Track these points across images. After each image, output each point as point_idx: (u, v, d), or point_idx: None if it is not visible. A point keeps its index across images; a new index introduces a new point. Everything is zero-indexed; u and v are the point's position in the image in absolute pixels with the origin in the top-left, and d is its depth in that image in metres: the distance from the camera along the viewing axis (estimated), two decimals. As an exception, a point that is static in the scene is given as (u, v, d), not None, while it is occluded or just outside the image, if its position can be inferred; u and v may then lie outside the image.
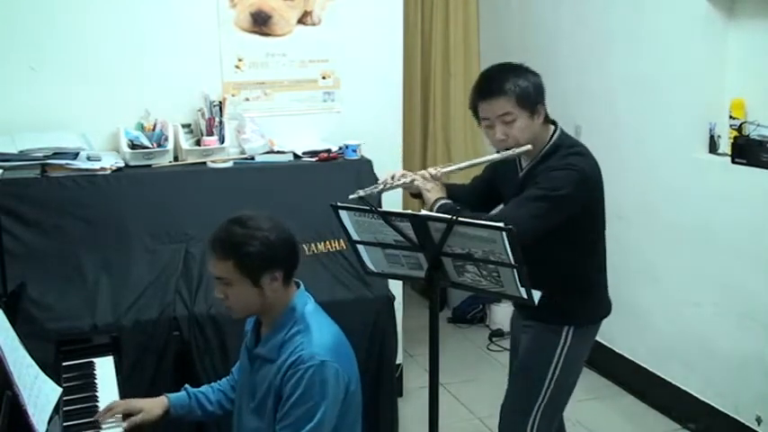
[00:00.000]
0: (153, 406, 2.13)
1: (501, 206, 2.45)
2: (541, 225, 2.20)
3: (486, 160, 2.42)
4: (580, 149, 2.32)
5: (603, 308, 2.46)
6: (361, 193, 2.33)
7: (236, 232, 1.97)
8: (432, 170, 2.39)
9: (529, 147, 2.26)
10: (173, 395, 2.19)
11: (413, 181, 2.37)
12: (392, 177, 2.39)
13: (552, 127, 2.35)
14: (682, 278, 3.43)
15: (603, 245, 2.43)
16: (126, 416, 2.06)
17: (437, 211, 2.27)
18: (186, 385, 2.25)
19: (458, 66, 4.91)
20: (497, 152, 2.40)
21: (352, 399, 2.05)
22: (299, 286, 2.11)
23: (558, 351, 2.37)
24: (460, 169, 2.42)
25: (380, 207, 2.49)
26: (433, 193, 2.35)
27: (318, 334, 2.00)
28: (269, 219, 2.03)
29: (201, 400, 2.22)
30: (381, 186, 2.39)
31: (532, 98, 2.24)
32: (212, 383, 2.30)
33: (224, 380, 2.31)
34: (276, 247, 1.99)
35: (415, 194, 2.46)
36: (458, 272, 2.13)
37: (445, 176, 2.41)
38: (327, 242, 3.01)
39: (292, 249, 2.06)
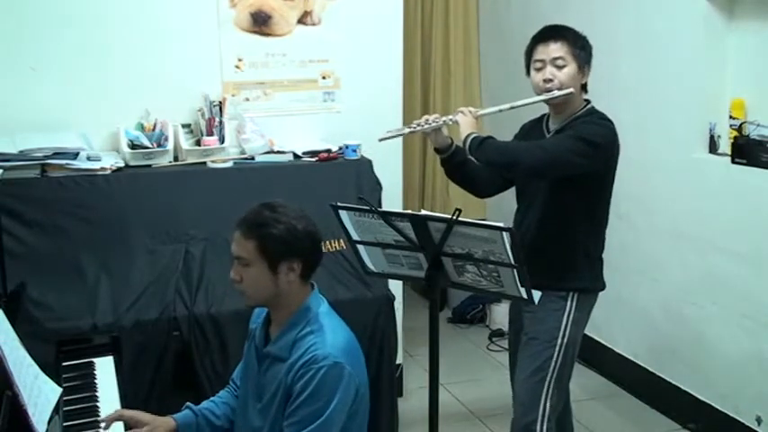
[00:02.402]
0: (159, 423, 2.08)
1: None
2: (576, 162, 2.33)
3: (527, 102, 2.51)
4: (611, 120, 2.47)
5: (601, 282, 2.57)
6: (394, 132, 2.53)
7: (264, 214, 1.99)
8: (472, 108, 2.53)
9: (571, 90, 2.41)
10: (179, 415, 2.14)
11: (450, 119, 2.48)
12: (426, 120, 2.51)
13: (585, 102, 2.51)
14: (682, 278, 3.43)
15: (605, 230, 2.56)
16: (131, 426, 2.02)
17: (470, 143, 2.41)
18: (188, 403, 2.20)
19: (458, 66, 4.91)
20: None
21: (362, 402, 2.04)
22: (313, 287, 2.10)
23: (566, 315, 2.47)
24: (500, 111, 2.55)
25: (380, 207, 2.50)
26: (469, 126, 2.46)
27: (332, 335, 1.99)
28: (300, 210, 2.04)
29: (208, 416, 2.19)
30: (413, 127, 2.51)
31: (583, 56, 2.45)
32: (213, 398, 2.26)
33: (224, 392, 2.27)
34: (299, 237, 1.99)
35: (438, 149, 2.57)
36: (458, 272, 2.13)
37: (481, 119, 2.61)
38: (327, 242, 3.00)
39: (315, 245, 2.05)
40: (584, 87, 2.49)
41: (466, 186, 2.67)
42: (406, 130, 2.52)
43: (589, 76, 2.48)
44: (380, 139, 2.54)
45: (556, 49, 2.41)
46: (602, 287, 2.56)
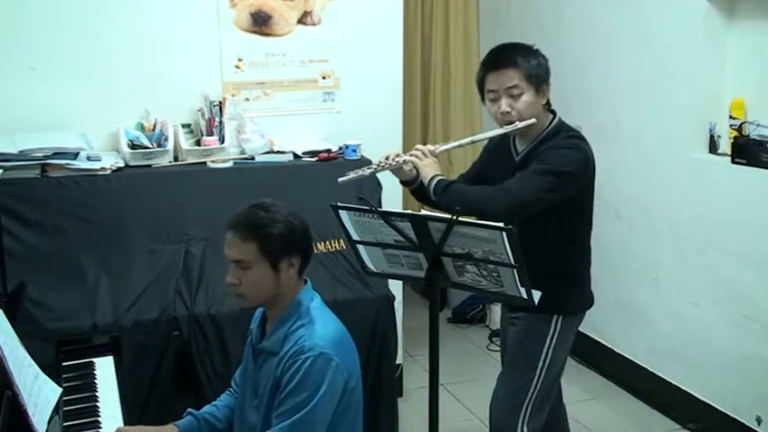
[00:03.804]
0: None
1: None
2: (546, 198, 2.24)
3: (487, 136, 2.42)
4: (581, 135, 2.37)
5: (588, 299, 2.51)
6: (352, 174, 2.37)
7: (259, 215, 2.01)
8: (430, 147, 2.40)
9: (533, 120, 2.29)
10: (181, 422, 2.16)
11: (409, 159, 2.37)
12: (386, 158, 2.40)
13: (551, 115, 2.39)
14: (682, 278, 3.43)
15: (590, 241, 2.49)
16: None
17: (434, 188, 2.30)
18: (190, 409, 2.21)
19: (458, 66, 4.91)
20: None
21: (352, 395, 2.05)
22: (306, 282, 2.12)
23: (549, 339, 2.40)
24: (460, 146, 2.45)
25: (380, 207, 2.50)
26: (430, 169, 2.35)
27: (322, 327, 2.01)
28: (288, 207, 2.07)
29: (210, 420, 2.20)
30: (375, 168, 2.40)
31: (540, 76, 2.29)
32: (215, 402, 2.27)
33: (224, 395, 2.28)
34: (297, 233, 2.02)
35: (405, 182, 2.46)
36: (458, 272, 2.13)
37: (443, 154, 2.43)
38: (327, 242, 3.01)
39: (310, 239, 2.09)
40: (546, 103, 2.36)
41: (441, 210, 2.58)
42: (367, 172, 2.39)
43: (548, 93, 2.34)
44: (341, 181, 2.39)
45: (508, 78, 2.26)
46: (590, 304, 2.49)
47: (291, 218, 2.03)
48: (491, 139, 2.54)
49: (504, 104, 2.28)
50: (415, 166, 2.38)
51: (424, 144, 2.45)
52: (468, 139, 2.45)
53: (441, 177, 2.32)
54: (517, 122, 2.28)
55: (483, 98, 2.37)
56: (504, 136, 2.45)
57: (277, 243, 1.98)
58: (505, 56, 2.30)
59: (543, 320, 2.40)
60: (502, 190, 2.26)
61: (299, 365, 1.93)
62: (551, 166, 2.23)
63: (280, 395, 1.96)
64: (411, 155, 2.38)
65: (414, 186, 2.45)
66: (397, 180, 3.62)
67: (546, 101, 2.35)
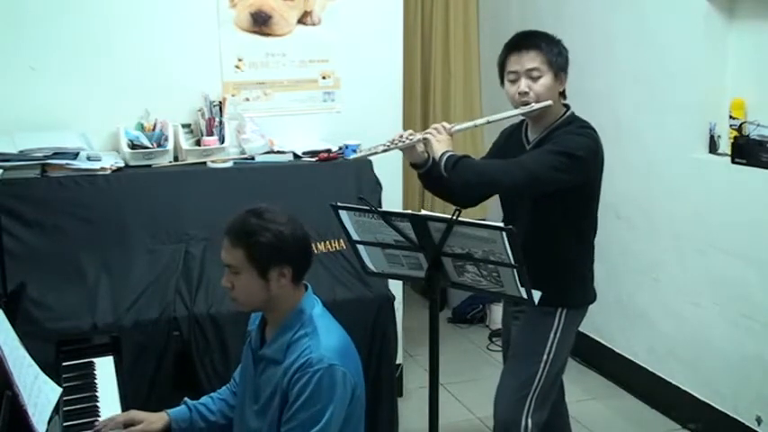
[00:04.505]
0: (154, 419, 2.11)
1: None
2: (557, 178, 2.25)
3: (503, 117, 2.43)
4: (593, 128, 2.39)
5: (591, 295, 2.52)
6: (365, 151, 2.43)
7: (250, 222, 1.98)
8: (446, 124, 2.42)
9: (549, 102, 2.32)
10: (173, 410, 2.17)
11: (424, 139, 2.40)
12: (400, 136, 2.42)
13: (564, 108, 2.42)
14: (682, 278, 3.43)
15: (594, 238, 2.50)
16: (127, 425, 2.04)
17: (445, 163, 2.31)
18: (185, 398, 2.22)
19: (458, 66, 4.91)
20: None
21: (357, 402, 2.04)
22: (306, 288, 2.10)
23: (553, 332, 2.41)
24: (476, 126, 2.48)
25: (380, 207, 2.50)
26: (443, 145, 2.36)
27: (326, 337, 1.99)
28: (287, 214, 2.03)
29: (202, 411, 2.20)
30: (388, 145, 2.42)
31: (560, 64, 2.34)
32: (212, 393, 2.28)
33: (224, 388, 2.28)
34: (288, 243, 1.98)
35: (415, 164, 2.48)
36: (458, 272, 2.13)
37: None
38: (327, 242, 3.01)
39: (304, 249, 2.04)
40: (562, 94, 2.39)
41: (445, 198, 2.58)
42: (381, 149, 2.41)
43: (566, 81, 2.38)
44: (352, 158, 2.50)
45: (530, 60, 2.30)
46: (593, 299, 2.51)
47: (284, 226, 1.98)
48: (501, 133, 2.59)
49: (524, 85, 2.32)
50: (426, 147, 2.42)
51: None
52: (485, 119, 2.47)
53: (452, 153, 2.34)
54: (533, 104, 2.31)
55: (502, 81, 2.40)
56: (515, 130, 2.49)
57: (264, 252, 1.95)
58: (530, 39, 2.35)
59: (547, 314, 2.41)
60: (515, 163, 2.29)
61: (308, 379, 1.91)
62: (564, 148, 2.26)
63: (290, 409, 1.94)
64: (427, 132, 2.40)
65: (423, 169, 2.46)
66: (396, 180, 3.63)
67: (562, 90, 2.39)
